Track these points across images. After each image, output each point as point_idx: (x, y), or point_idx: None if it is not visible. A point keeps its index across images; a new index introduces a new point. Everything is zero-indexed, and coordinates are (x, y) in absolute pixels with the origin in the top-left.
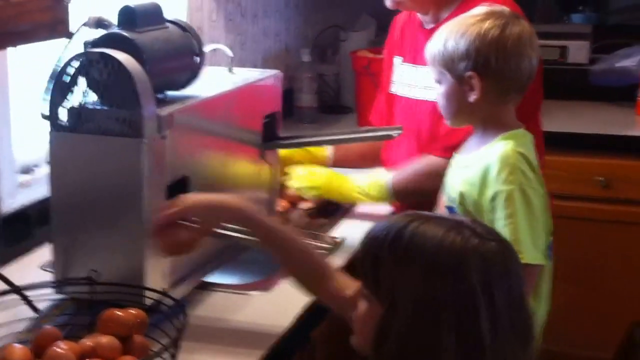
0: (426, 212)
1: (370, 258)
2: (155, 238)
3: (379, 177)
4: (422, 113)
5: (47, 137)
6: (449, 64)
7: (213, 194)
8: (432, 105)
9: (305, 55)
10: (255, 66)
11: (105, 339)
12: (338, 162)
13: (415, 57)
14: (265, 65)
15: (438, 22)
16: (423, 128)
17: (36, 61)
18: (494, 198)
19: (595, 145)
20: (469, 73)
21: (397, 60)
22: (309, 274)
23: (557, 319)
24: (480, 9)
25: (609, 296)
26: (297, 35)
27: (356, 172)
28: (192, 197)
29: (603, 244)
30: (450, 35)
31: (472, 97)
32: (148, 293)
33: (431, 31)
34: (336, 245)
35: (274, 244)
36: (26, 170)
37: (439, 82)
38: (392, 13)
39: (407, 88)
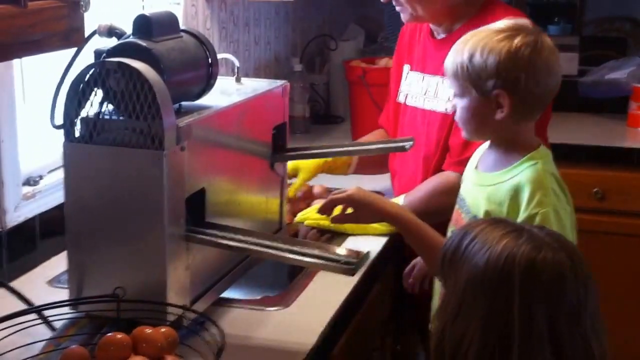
0: (498, 218)
1: (441, 258)
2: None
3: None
4: (431, 124)
5: (57, 148)
6: (475, 79)
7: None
8: (441, 116)
9: (296, 65)
10: (247, 75)
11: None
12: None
13: (423, 66)
14: (256, 73)
15: (450, 33)
16: (431, 139)
17: (38, 69)
18: (528, 220)
19: (590, 157)
20: (497, 91)
21: (406, 68)
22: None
23: None
24: (505, 23)
25: (606, 306)
26: (286, 44)
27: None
28: (358, 190)
29: (600, 255)
30: (477, 50)
31: (499, 115)
32: (173, 309)
33: (442, 41)
34: (361, 258)
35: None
36: (30, 181)
37: (460, 95)
38: (380, 23)
39: (415, 98)
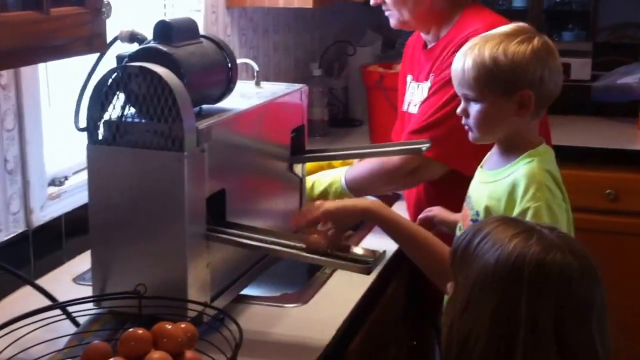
0: (510, 217)
1: (451, 253)
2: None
3: (333, 181)
4: None
5: (81, 150)
6: (501, 81)
7: (345, 199)
8: None
9: (315, 70)
10: (267, 80)
11: (157, 355)
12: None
13: (419, 76)
14: (276, 78)
15: (438, 41)
16: None
17: (64, 73)
18: (521, 214)
19: (603, 160)
20: (523, 91)
21: (409, 79)
22: (439, 270)
23: None
24: (512, 27)
25: (617, 306)
26: (305, 50)
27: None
28: (331, 204)
29: (612, 255)
30: (499, 54)
31: (522, 114)
32: (193, 306)
33: (430, 50)
34: (377, 257)
35: (406, 245)
36: (56, 182)
37: (477, 99)
38: (397, 29)
39: (415, 106)
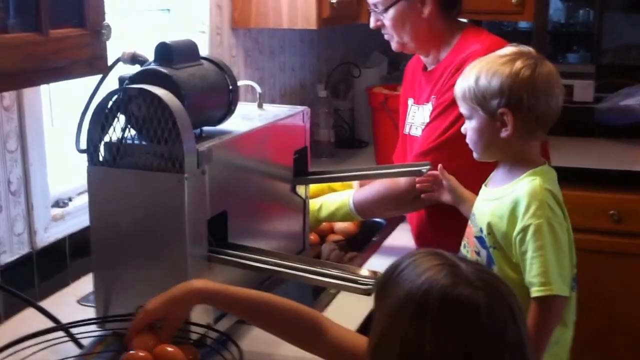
0: (437, 251)
1: (375, 286)
2: (131, 346)
3: (339, 203)
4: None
5: (84, 171)
6: (481, 100)
7: (170, 289)
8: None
9: (321, 91)
10: (273, 101)
11: None
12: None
13: (419, 98)
14: (282, 100)
15: (438, 63)
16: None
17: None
18: (522, 231)
19: (606, 181)
20: (501, 110)
21: (410, 102)
22: (299, 331)
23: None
24: (509, 49)
25: (621, 327)
26: (311, 71)
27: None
28: (152, 300)
29: (616, 276)
30: (482, 73)
31: (505, 133)
32: (195, 328)
33: (430, 73)
34: (378, 279)
35: (250, 311)
36: (59, 203)
37: (469, 117)
38: (403, 52)
39: (416, 128)
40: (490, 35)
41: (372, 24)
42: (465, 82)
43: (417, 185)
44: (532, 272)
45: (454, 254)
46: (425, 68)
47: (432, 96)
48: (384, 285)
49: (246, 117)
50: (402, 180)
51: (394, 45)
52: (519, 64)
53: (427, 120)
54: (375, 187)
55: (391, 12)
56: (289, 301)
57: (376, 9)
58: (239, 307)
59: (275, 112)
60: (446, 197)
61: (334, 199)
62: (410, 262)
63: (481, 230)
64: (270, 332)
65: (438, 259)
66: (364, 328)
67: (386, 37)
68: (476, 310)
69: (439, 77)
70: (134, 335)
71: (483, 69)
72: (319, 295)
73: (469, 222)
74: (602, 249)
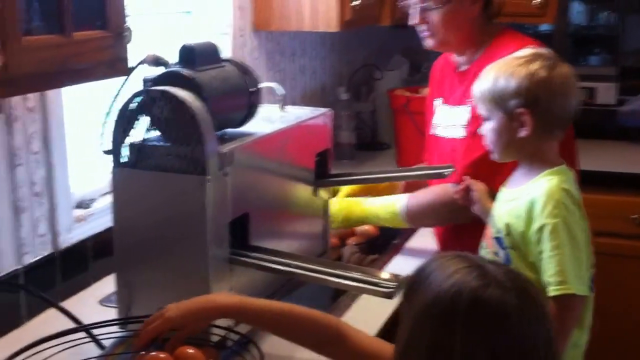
0: (462, 253)
1: (402, 291)
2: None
3: (392, 201)
4: (455, 151)
5: (108, 173)
6: (499, 101)
7: (193, 298)
8: (459, 141)
9: (343, 93)
10: (294, 103)
11: None
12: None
13: (449, 99)
14: (303, 102)
15: (471, 64)
16: (456, 165)
17: (88, 96)
18: (539, 230)
19: (629, 184)
20: (519, 110)
21: (437, 102)
22: (321, 340)
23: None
24: (526, 51)
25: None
26: (332, 74)
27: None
28: (173, 308)
29: (638, 279)
30: (500, 74)
31: (523, 133)
32: (216, 330)
33: (464, 73)
34: (399, 282)
35: (271, 325)
36: (82, 204)
37: (487, 118)
38: (424, 53)
39: (444, 129)
40: (525, 38)
41: (414, 20)
42: (483, 84)
43: (454, 195)
44: (548, 272)
45: (478, 256)
46: (456, 68)
47: (468, 100)
48: (410, 289)
49: (268, 119)
50: (451, 187)
51: (431, 43)
52: (535, 65)
53: (464, 122)
54: (427, 194)
55: (444, 9)
56: (309, 310)
57: (425, 5)
58: (260, 321)
59: (298, 114)
60: (475, 208)
61: (382, 199)
62: (437, 266)
63: (499, 232)
64: (293, 342)
65: (464, 261)
66: (385, 331)
67: (424, 34)
68: (507, 312)
69: (474, 77)
70: (147, 340)
71: (501, 71)
72: (339, 297)
73: (488, 224)
74: (623, 253)
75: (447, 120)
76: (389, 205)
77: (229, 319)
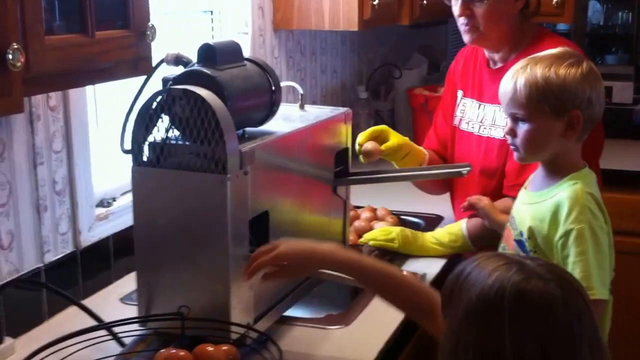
0: (498, 252)
1: (442, 292)
2: (245, 276)
3: (453, 227)
4: (489, 151)
5: (129, 171)
6: (552, 101)
7: (306, 241)
8: (499, 143)
9: (362, 92)
10: (314, 102)
11: None
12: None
13: (480, 95)
14: (323, 101)
15: (506, 62)
16: (489, 165)
17: (111, 95)
18: (564, 235)
19: None
20: (573, 111)
21: (459, 94)
22: (418, 309)
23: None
24: (560, 51)
25: None
26: (352, 73)
27: None
28: (286, 245)
29: None
30: (550, 75)
31: (570, 134)
32: (235, 328)
33: (498, 71)
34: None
35: (377, 284)
36: (103, 203)
37: (525, 119)
38: (442, 52)
39: (472, 124)
40: (561, 39)
41: (459, 12)
42: (529, 83)
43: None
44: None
45: (513, 253)
46: (488, 64)
47: None
48: (450, 294)
49: (288, 118)
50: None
51: (470, 37)
52: (585, 65)
53: (498, 122)
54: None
55: (491, 2)
56: (413, 279)
57: None
58: (367, 279)
59: (317, 113)
60: (486, 223)
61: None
62: (475, 266)
63: (521, 234)
64: (391, 305)
65: (502, 258)
66: (401, 329)
67: (464, 27)
68: (552, 302)
69: None
70: (255, 271)
71: (550, 70)
72: (357, 295)
73: (508, 225)
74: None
75: (475, 116)
76: (451, 231)
77: (336, 270)
